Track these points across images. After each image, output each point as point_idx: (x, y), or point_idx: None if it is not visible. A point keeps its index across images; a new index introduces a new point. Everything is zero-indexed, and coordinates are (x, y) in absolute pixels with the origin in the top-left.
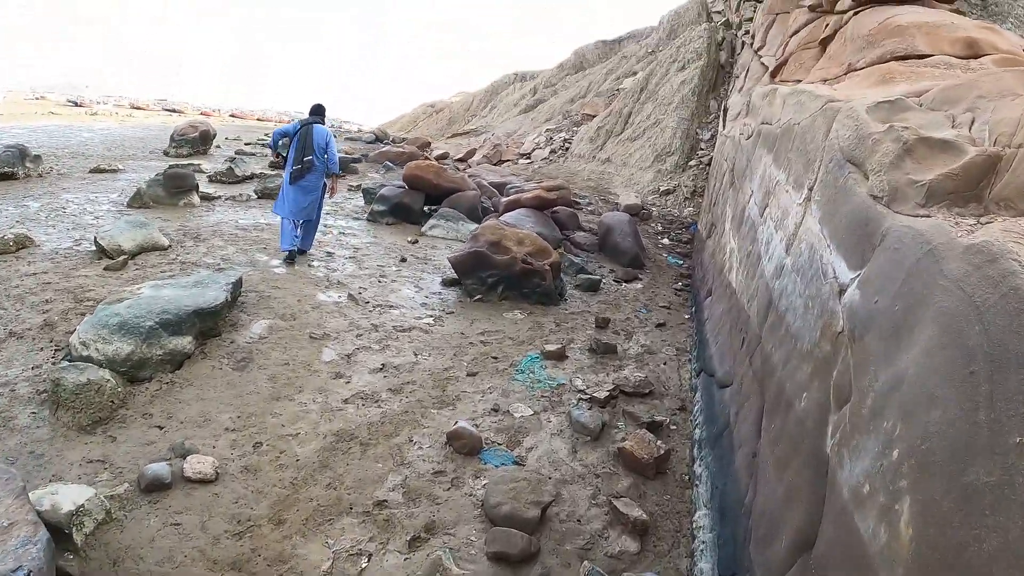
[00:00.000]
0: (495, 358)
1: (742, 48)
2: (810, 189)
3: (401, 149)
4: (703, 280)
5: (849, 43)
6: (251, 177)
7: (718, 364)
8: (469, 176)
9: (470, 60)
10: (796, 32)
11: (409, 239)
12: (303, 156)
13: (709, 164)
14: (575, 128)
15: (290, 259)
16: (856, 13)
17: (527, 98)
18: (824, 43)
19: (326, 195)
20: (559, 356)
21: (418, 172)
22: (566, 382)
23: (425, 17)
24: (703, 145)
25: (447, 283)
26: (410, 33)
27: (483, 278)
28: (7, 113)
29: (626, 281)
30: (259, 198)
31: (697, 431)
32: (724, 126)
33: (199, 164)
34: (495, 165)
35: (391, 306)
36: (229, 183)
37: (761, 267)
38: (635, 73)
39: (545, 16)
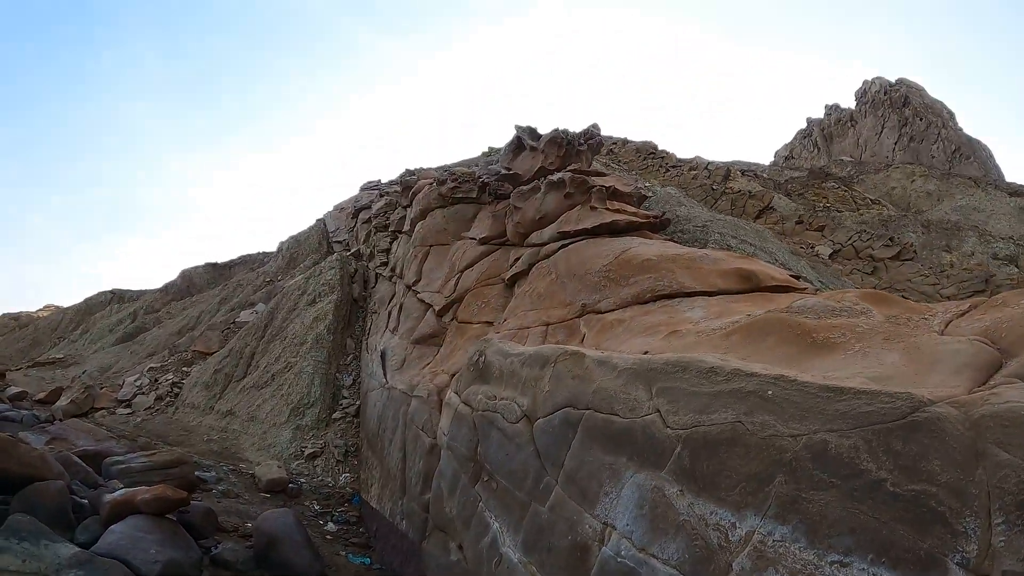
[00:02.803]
0: None
1: (376, 281)
2: None
3: None
4: None
5: (568, 280)
6: None
7: None
8: (54, 441)
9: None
10: (470, 266)
11: None
12: None
13: (356, 415)
14: (185, 369)
15: None
16: (564, 246)
17: (126, 324)
18: (514, 280)
19: None
20: None
21: None
22: None
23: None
24: (345, 392)
25: None
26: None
27: None
28: None
29: None
30: None
31: None
32: (387, 376)
33: None
34: (85, 416)
35: None
36: None
37: None
38: (252, 304)
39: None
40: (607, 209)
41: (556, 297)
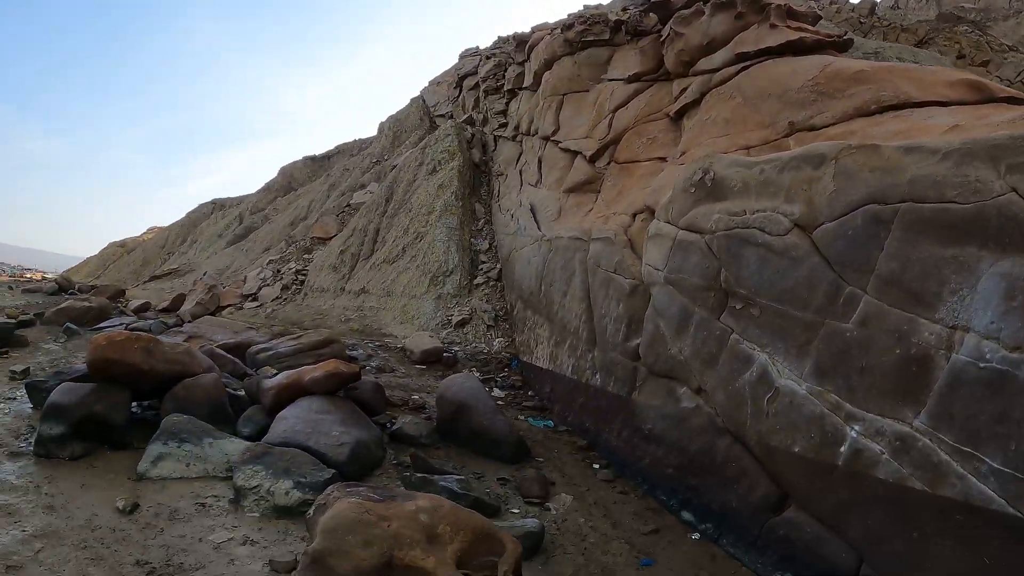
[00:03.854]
0: None
1: (496, 144)
2: None
3: (87, 302)
4: None
5: (761, 101)
6: None
7: None
8: (191, 340)
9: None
10: (622, 106)
11: (119, 503)
12: None
13: (498, 279)
14: (307, 256)
15: None
16: (743, 69)
17: (233, 227)
18: (683, 112)
19: None
20: None
21: (114, 354)
22: None
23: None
24: (483, 257)
25: None
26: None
27: None
28: None
29: (538, 499)
30: None
31: None
32: (542, 229)
33: None
34: (214, 314)
35: None
36: None
37: None
38: (363, 185)
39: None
40: (788, 27)
41: (749, 120)
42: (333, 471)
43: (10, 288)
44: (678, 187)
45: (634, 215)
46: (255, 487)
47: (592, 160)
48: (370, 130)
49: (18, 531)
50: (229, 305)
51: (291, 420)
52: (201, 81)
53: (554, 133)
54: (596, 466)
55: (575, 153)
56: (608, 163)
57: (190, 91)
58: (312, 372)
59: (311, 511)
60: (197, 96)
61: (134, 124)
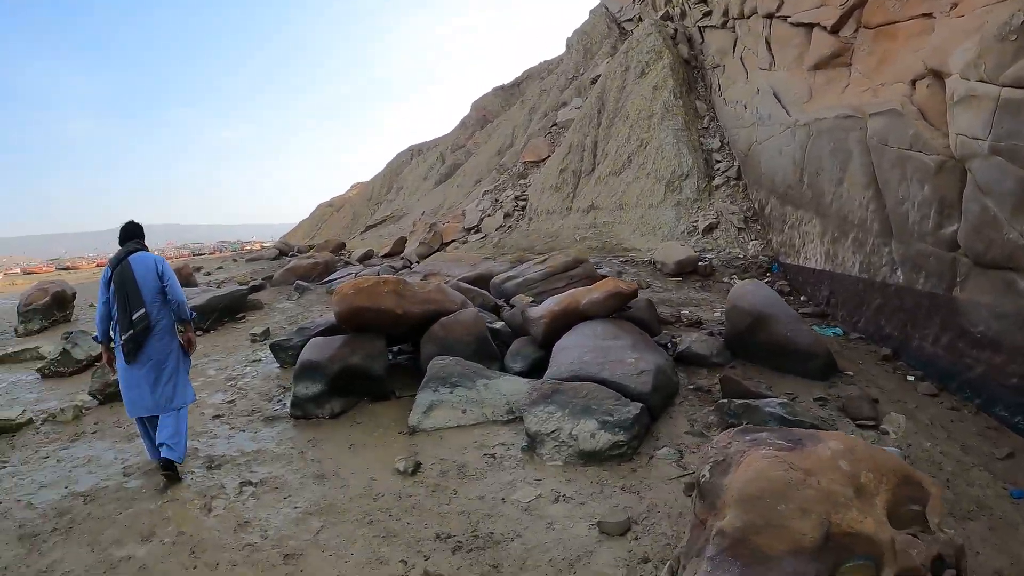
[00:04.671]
0: None
1: (703, 36)
2: None
3: (312, 259)
4: None
5: None
6: (100, 358)
7: None
8: (429, 277)
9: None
10: None
11: (399, 463)
12: (130, 314)
13: (739, 178)
14: (522, 181)
15: (168, 469)
16: None
17: (437, 167)
18: None
19: (182, 361)
20: None
21: (363, 301)
22: None
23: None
24: (717, 156)
25: None
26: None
27: None
28: None
29: (870, 422)
30: (101, 403)
31: None
32: (790, 113)
33: (38, 347)
34: (439, 251)
35: None
36: (68, 374)
37: None
38: (564, 104)
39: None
40: None
41: None
42: (640, 405)
43: (234, 260)
44: (989, 37)
45: (912, 82)
46: (553, 432)
47: (834, 30)
48: (549, 51)
49: (289, 508)
50: (452, 241)
51: (575, 350)
52: (372, 44)
53: (779, 8)
54: (910, 378)
55: (810, 26)
56: (855, 30)
57: (364, 54)
58: (589, 294)
59: (705, 471)
60: (370, 56)
61: (314, 92)
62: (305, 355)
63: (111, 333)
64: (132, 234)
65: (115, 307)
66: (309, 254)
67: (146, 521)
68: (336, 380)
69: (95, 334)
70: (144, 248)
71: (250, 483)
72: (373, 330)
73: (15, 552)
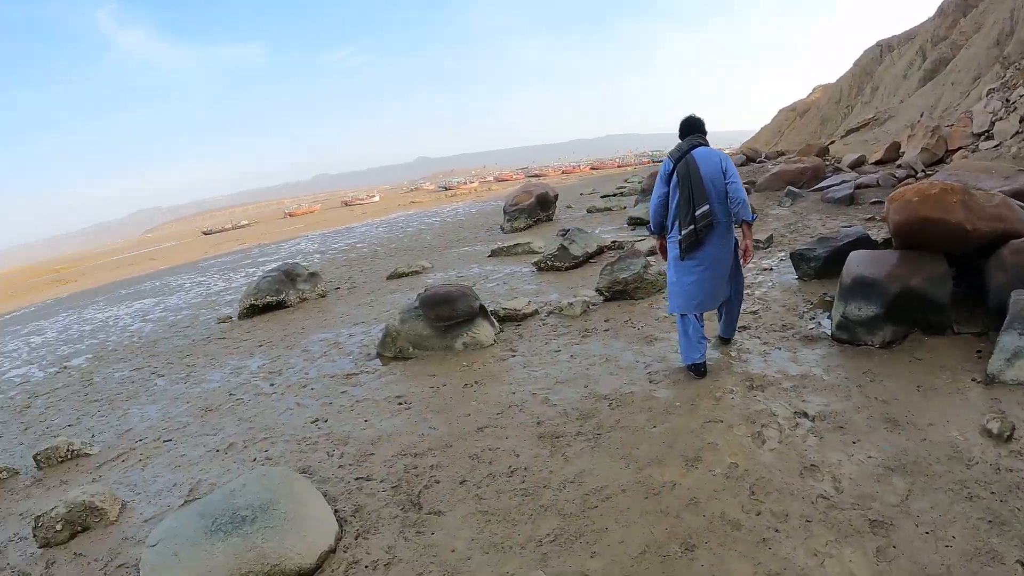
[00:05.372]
0: None
1: None
2: None
3: (800, 163)
4: None
5: None
6: (598, 252)
7: None
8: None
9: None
10: None
11: (990, 422)
12: (692, 209)
13: None
14: None
15: (698, 372)
16: None
17: (917, 64)
18: None
19: (740, 261)
20: None
21: (931, 211)
22: None
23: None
24: None
25: None
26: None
27: None
28: (372, 211)
29: None
30: (607, 300)
31: None
32: None
33: (529, 243)
34: (943, 160)
35: None
36: (564, 269)
37: None
38: None
39: None
40: None
41: None
42: None
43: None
44: None
45: None
46: None
47: None
48: None
49: (863, 456)
50: (959, 148)
51: None
52: None
53: None
54: None
55: None
56: None
57: None
58: None
59: None
60: None
61: None
62: (859, 270)
63: (666, 224)
64: (694, 127)
65: (675, 201)
66: (797, 158)
67: (688, 442)
68: (893, 304)
69: (648, 225)
70: (706, 143)
71: (805, 415)
72: (933, 248)
73: (535, 452)
